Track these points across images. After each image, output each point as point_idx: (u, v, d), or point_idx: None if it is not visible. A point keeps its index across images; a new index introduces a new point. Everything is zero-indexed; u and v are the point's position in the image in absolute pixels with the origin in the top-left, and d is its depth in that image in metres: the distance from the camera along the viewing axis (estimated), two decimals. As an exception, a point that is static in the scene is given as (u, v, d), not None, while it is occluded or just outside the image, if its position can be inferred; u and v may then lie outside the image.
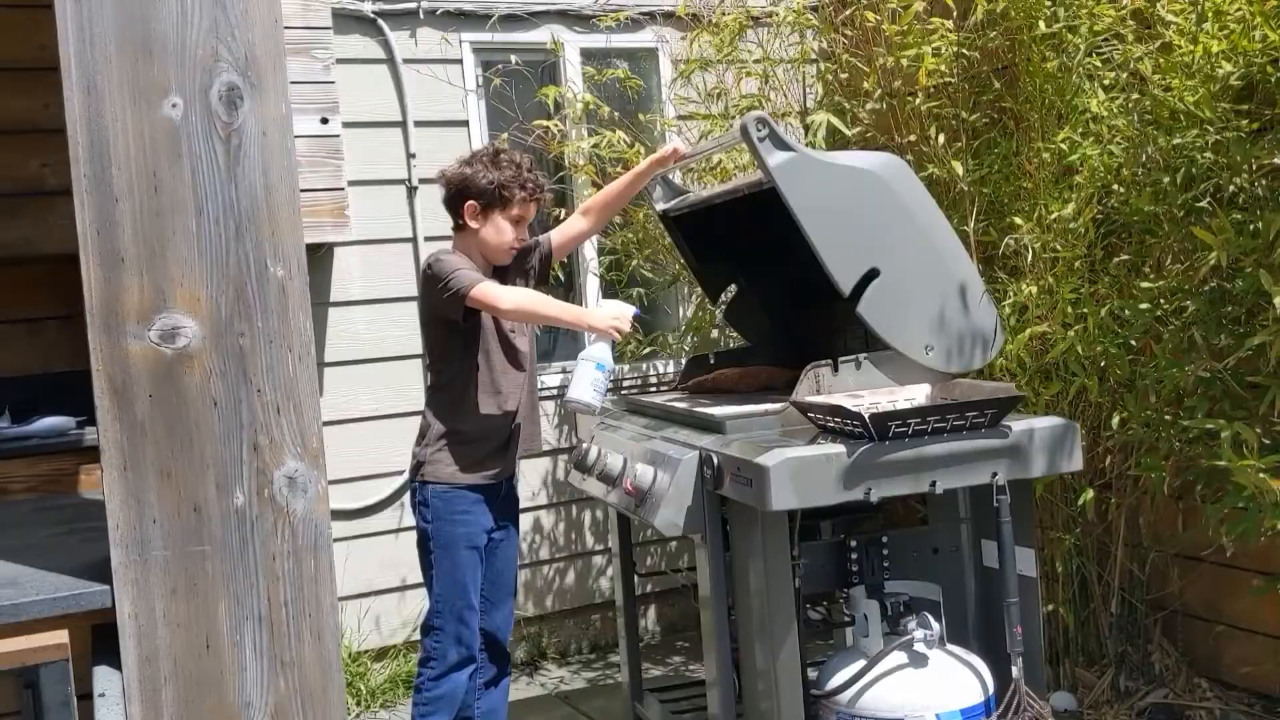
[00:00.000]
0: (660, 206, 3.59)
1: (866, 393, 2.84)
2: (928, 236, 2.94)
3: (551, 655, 4.84)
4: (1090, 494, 3.58)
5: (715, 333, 4.67)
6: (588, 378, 3.07)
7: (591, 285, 4.90)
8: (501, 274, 3.29)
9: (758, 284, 3.71)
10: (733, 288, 3.76)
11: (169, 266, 1.57)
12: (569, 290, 4.90)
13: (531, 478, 4.73)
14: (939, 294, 2.92)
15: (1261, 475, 2.76)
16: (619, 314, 3.09)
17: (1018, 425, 2.64)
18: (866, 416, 2.49)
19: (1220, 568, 3.67)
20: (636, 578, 3.69)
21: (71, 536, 1.85)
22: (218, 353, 1.58)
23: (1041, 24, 3.59)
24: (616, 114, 4.62)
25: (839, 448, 2.52)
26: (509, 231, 3.21)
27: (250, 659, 1.57)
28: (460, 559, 3.15)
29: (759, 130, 2.78)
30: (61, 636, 1.15)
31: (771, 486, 2.46)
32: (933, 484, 2.57)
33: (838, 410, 2.58)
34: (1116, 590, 3.85)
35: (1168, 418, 3.29)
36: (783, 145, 2.80)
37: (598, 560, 4.91)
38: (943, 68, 3.76)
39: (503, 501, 3.28)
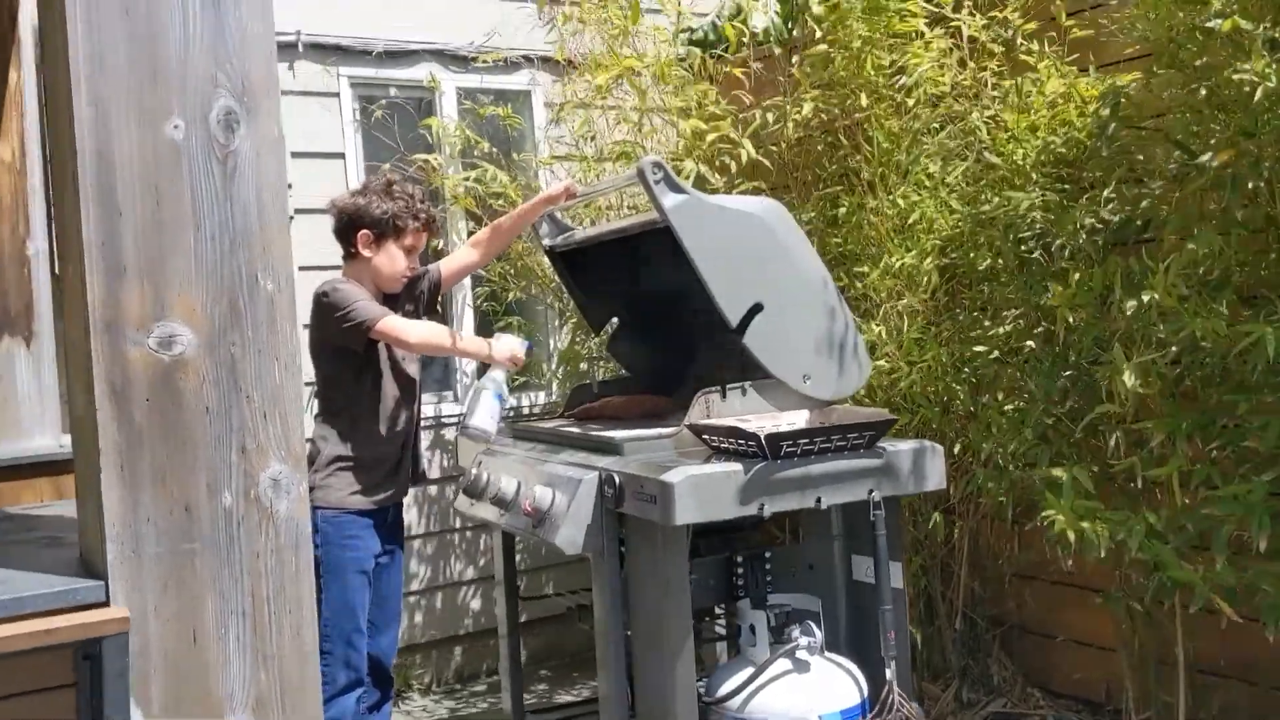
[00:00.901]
0: (547, 242, 3.75)
1: (753, 417, 3.05)
2: (804, 275, 3.19)
3: (417, 687, 4.87)
4: (938, 517, 3.89)
5: (585, 365, 4.84)
6: (487, 407, 3.22)
7: (468, 316, 5.01)
8: (391, 301, 3.38)
9: (638, 317, 3.90)
10: (615, 321, 3.94)
11: (168, 277, 1.64)
12: (444, 320, 4.98)
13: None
14: (815, 327, 3.16)
15: (1078, 523, 3.05)
16: (516, 348, 3.27)
17: (891, 447, 2.90)
18: (762, 437, 2.70)
19: (1053, 585, 4.03)
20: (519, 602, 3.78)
21: (24, 545, 1.87)
22: (211, 360, 1.66)
23: (864, 97, 3.94)
24: (493, 149, 4.77)
25: (736, 466, 2.72)
26: (401, 260, 3.31)
27: (234, 652, 1.64)
28: (349, 583, 3.21)
29: (655, 173, 2.98)
30: (124, 611, 1.22)
31: (676, 502, 2.63)
32: (818, 500, 2.80)
33: (734, 431, 2.79)
34: (959, 608, 4.17)
35: (1005, 452, 3.62)
36: (677, 188, 3.01)
37: (462, 591, 4.97)
38: (796, 131, 4.08)
39: (390, 526, 3.35)
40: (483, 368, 3.37)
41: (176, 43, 1.64)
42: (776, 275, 3.12)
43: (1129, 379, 2.90)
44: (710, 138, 4.14)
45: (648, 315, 3.88)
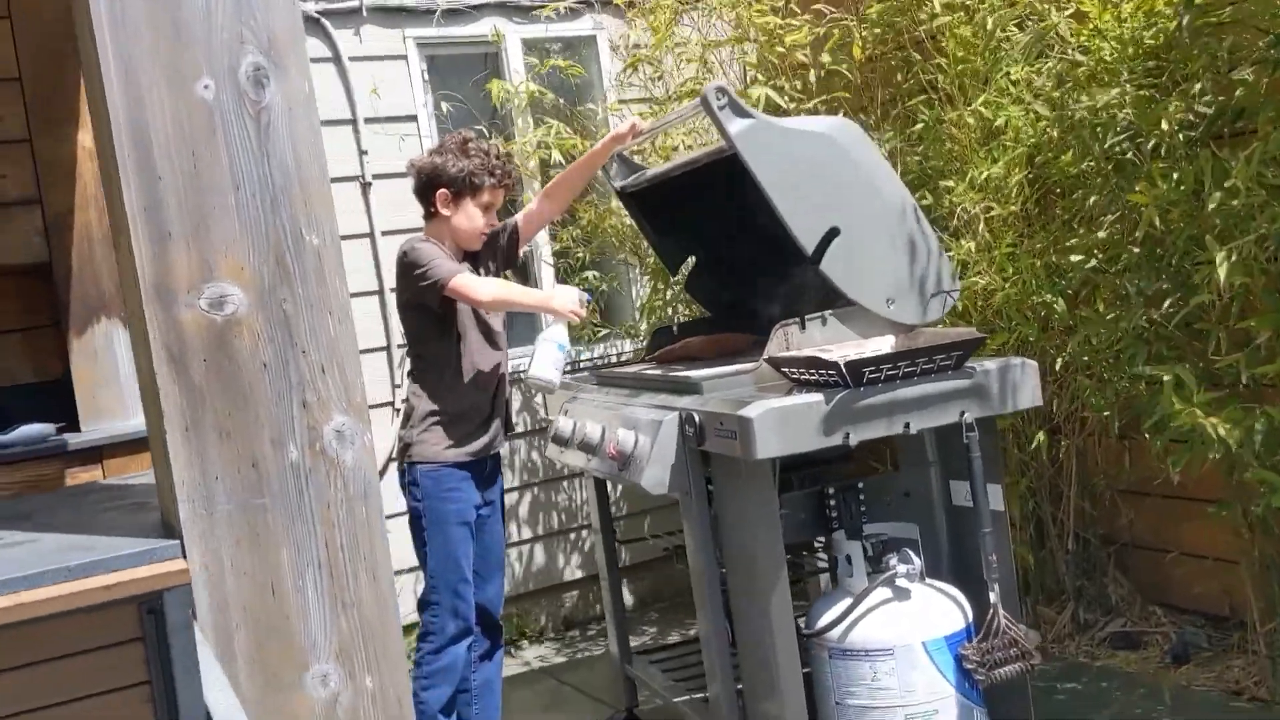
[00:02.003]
0: (618, 183, 3.72)
1: (835, 347, 2.98)
2: (882, 195, 3.09)
3: (529, 634, 4.94)
4: (1042, 437, 3.78)
5: (670, 311, 4.80)
6: (549, 357, 3.25)
7: (547, 273, 5.01)
8: (472, 258, 3.39)
9: (715, 256, 3.84)
10: (691, 261, 3.89)
11: (213, 239, 1.66)
12: (525, 276, 4.99)
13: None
14: (896, 249, 3.07)
15: (1198, 416, 2.93)
16: (574, 299, 3.27)
17: (982, 366, 2.81)
18: (842, 365, 2.63)
19: (1165, 500, 3.88)
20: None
21: (109, 512, 1.93)
22: (264, 318, 1.68)
23: (935, 3, 3.78)
24: (561, 100, 4.73)
25: (817, 397, 2.66)
26: (479, 218, 3.32)
27: (313, 602, 1.67)
28: (452, 535, 3.25)
29: (719, 99, 2.91)
30: (181, 564, 1.24)
31: (756, 436, 2.59)
32: (906, 425, 2.73)
33: (814, 361, 2.73)
34: (1070, 528, 4.06)
35: (1107, 362, 3.49)
36: (742, 113, 2.93)
37: (563, 541, 5.01)
38: (864, 49, 3.96)
39: (488, 477, 3.38)
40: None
41: (199, 2, 1.64)
42: (852, 197, 3.03)
43: (1222, 267, 2.75)
44: (782, 50, 4.03)
45: (724, 251, 3.82)
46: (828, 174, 3.00)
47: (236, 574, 1.62)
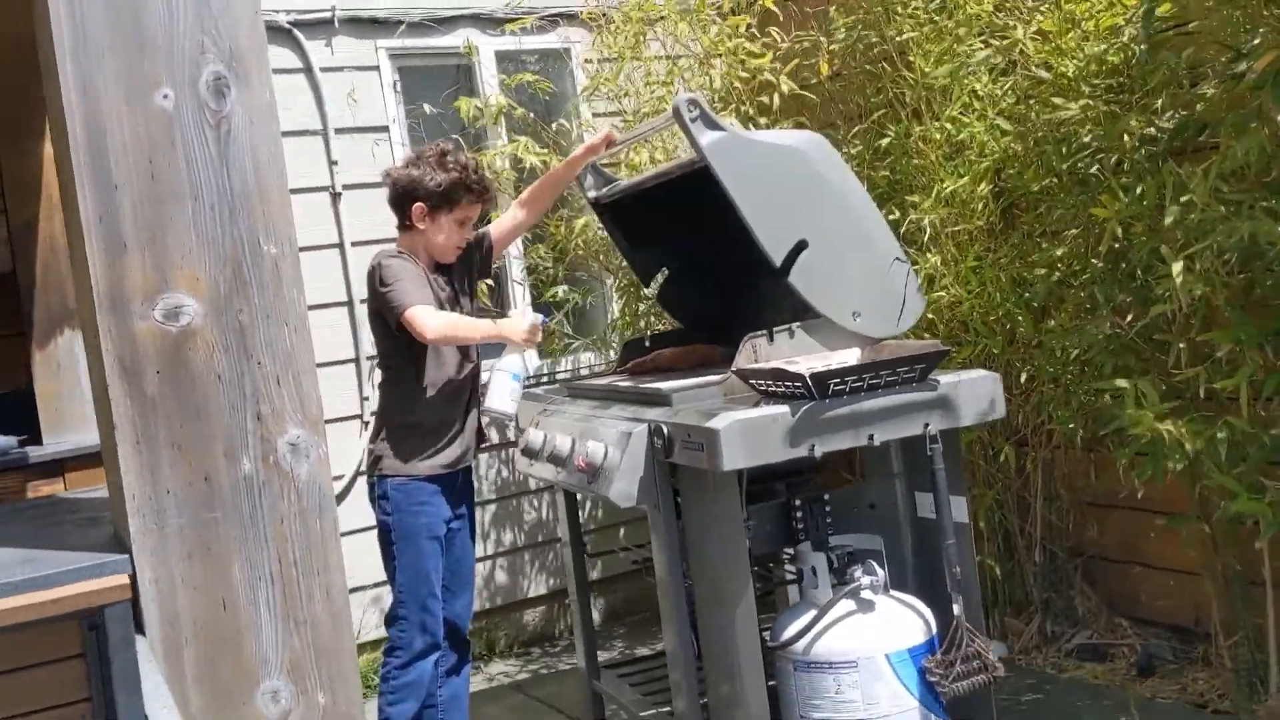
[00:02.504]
0: (592, 194, 3.72)
1: (802, 359, 2.99)
2: (850, 209, 3.11)
3: (497, 649, 4.92)
4: (1009, 449, 3.80)
5: (643, 324, 4.81)
6: (504, 388, 3.23)
7: (517, 290, 5.00)
8: (446, 270, 3.37)
9: (686, 267, 3.84)
10: (664, 272, 3.89)
11: (169, 249, 1.64)
12: (499, 292, 4.98)
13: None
14: (863, 263, 3.08)
15: (1155, 424, 2.96)
16: (526, 327, 3.25)
17: (945, 378, 2.82)
18: (807, 377, 2.64)
19: (1131, 512, 3.91)
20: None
21: (62, 526, 1.91)
22: (219, 329, 1.66)
23: (905, 24, 3.82)
24: (532, 115, 4.74)
25: (783, 408, 2.67)
26: (455, 232, 3.29)
27: (265, 617, 1.65)
28: (422, 549, 3.22)
29: (690, 111, 2.92)
30: (123, 579, 1.22)
31: (723, 448, 2.59)
32: (870, 437, 2.73)
33: (779, 374, 2.73)
34: (1038, 540, 4.08)
35: (1072, 374, 3.52)
36: (713, 125, 2.94)
37: (528, 556, 4.99)
38: (831, 64, 3.99)
39: (460, 491, 3.36)
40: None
41: (160, 11, 1.63)
42: (820, 210, 3.04)
43: (1179, 278, 2.78)
44: (747, 72, 4.06)
45: (696, 264, 3.82)
46: (796, 187, 3.01)
47: (187, 589, 1.60)
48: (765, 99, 4.24)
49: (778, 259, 2.97)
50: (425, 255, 3.30)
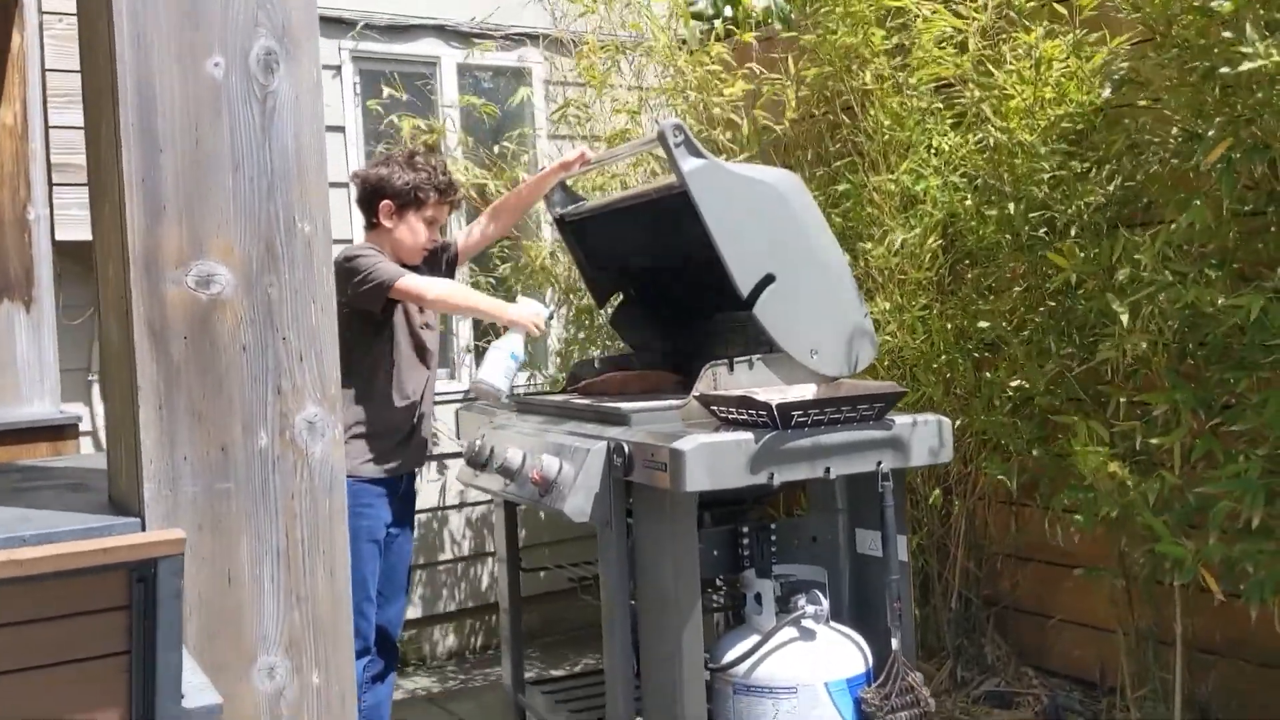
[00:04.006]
0: (558, 210, 3.75)
1: (760, 390, 3.06)
2: (817, 250, 3.20)
3: (412, 662, 4.87)
4: (938, 494, 3.92)
5: (587, 350, 4.84)
6: (501, 364, 3.24)
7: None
8: (413, 273, 3.38)
9: (643, 294, 3.90)
10: (619, 296, 3.94)
11: (206, 217, 1.64)
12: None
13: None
14: (824, 303, 3.17)
15: (1102, 460, 3.10)
16: (537, 312, 3.27)
17: (900, 419, 2.92)
18: (773, 406, 2.71)
19: (1047, 565, 4.06)
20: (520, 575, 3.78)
21: (41, 490, 1.86)
22: (248, 301, 1.66)
23: (868, 76, 3.96)
24: (471, 141, 4.78)
25: (747, 435, 2.73)
26: (423, 232, 3.31)
27: (268, 592, 1.64)
28: (360, 551, 3.19)
29: (675, 136, 2.98)
30: (179, 533, 1.21)
31: (687, 470, 2.64)
32: (827, 470, 2.81)
33: (745, 401, 2.80)
34: (955, 587, 4.20)
35: (1006, 425, 3.65)
36: (697, 152, 3.01)
37: (452, 568, 4.97)
38: (796, 109, 4.11)
39: (402, 497, 3.35)
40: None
41: (218, -21, 1.63)
42: (789, 247, 3.12)
43: (1125, 319, 2.94)
44: (720, 99, 4.15)
45: (652, 291, 3.89)
46: (769, 222, 3.09)
47: (196, 559, 1.59)
48: (729, 135, 4.34)
49: (745, 290, 3.05)
50: (392, 255, 3.30)
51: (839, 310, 3.19)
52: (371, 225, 3.32)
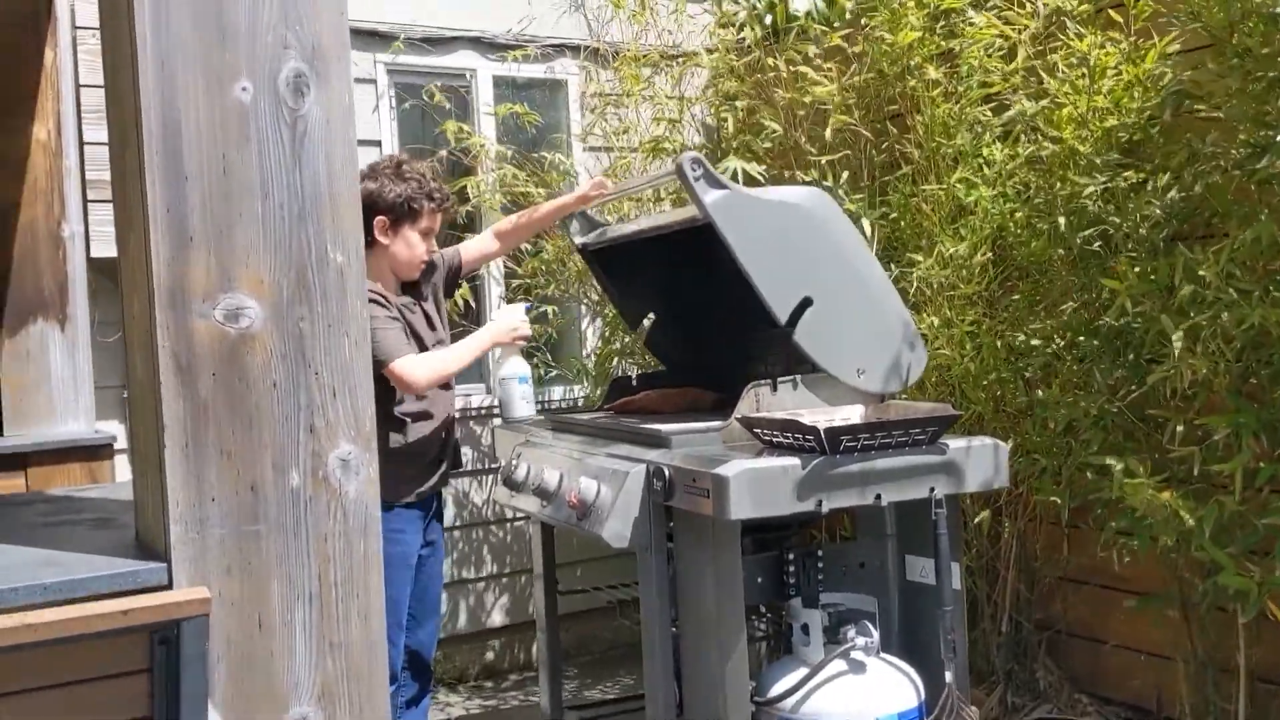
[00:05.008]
0: (579, 240, 3.66)
1: (805, 412, 2.96)
2: (853, 266, 3.10)
3: (447, 682, 4.80)
4: (986, 515, 3.80)
5: (620, 360, 4.77)
6: (516, 394, 3.19)
7: (496, 308, 4.94)
8: (414, 290, 3.28)
9: (675, 313, 3.81)
10: (650, 317, 3.86)
11: (235, 248, 1.57)
12: (476, 309, 4.91)
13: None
14: (867, 319, 3.08)
15: (1151, 492, 2.99)
16: (516, 322, 3.16)
17: (953, 444, 2.81)
18: (821, 431, 2.61)
19: (1102, 590, 3.93)
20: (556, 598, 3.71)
21: (71, 526, 1.81)
22: (279, 334, 1.59)
23: (931, 70, 3.85)
24: (512, 150, 4.72)
25: (793, 460, 2.63)
26: (419, 245, 3.19)
27: (300, 639, 1.57)
28: (394, 577, 3.12)
29: (694, 170, 2.88)
30: (203, 592, 1.14)
31: (731, 496, 2.55)
32: (878, 496, 2.71)
33: (792, 425, 2.70)
34: (1006, 610, 4.08)
35: (1059, 448, 3.54)
36: (717, 184, 2.91)
37: (487, 586, 4.90)
38: (844, 117, 4.01)
39: (432, 518, 3.28)
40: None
41: (245, 1, 1.56)
42: (824, 267, 3.03)
43: (1178, 344, 2.82)
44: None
45: (685, 309, 3.79)
46: (800, 244, 2.99)
47: (224, 604, 1.52)
48: (770, 144, 4.25)
49: (783, 316, 2.95)
50: (390, 276, 3.21)
51: (883, 325, 3.09)
52: (367, 244, 3.22)
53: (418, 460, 3.19)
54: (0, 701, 1.09)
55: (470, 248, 3.49)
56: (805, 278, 2.99)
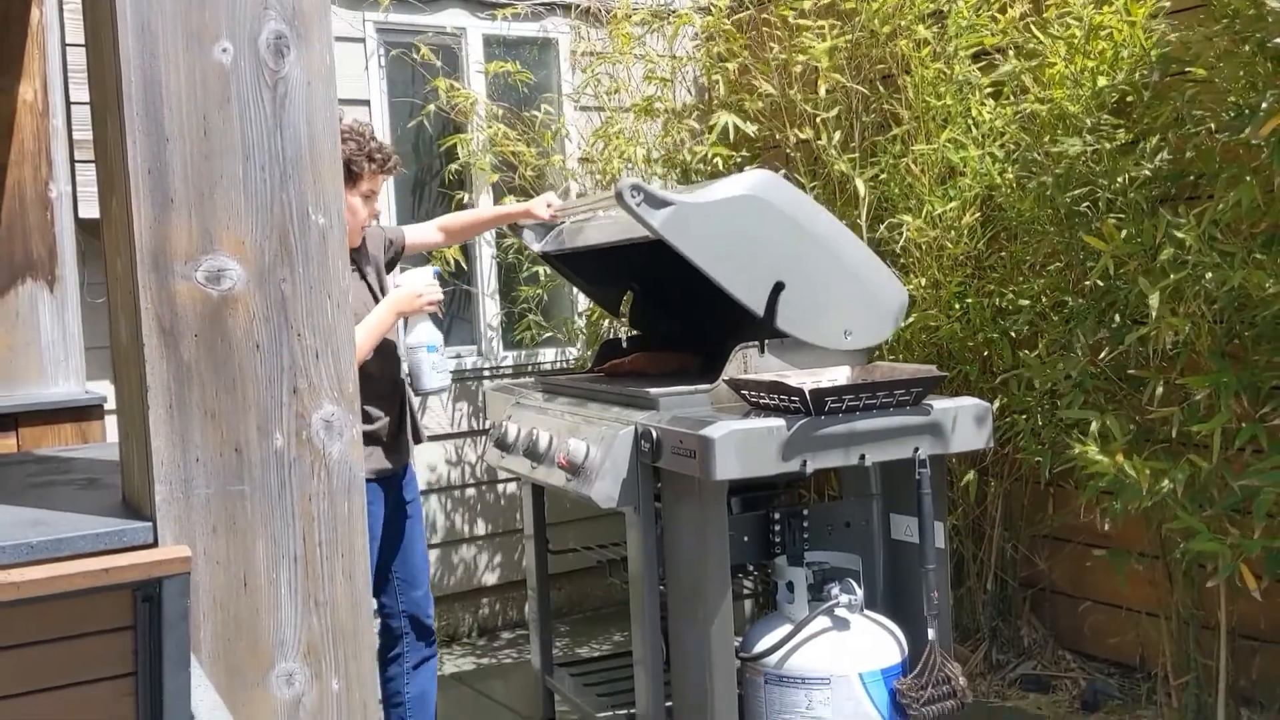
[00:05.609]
0: (537, 247, 3.62)
1: (793, 373, 2.99)
2: (817, 236, 3.06)
3: (440, 639, 4.85)
4: (972, 476, 3.83)
5: (607, 322, 4.78)
6: (426, 364, 3.09)
7: (491, 271, 4.95)
8: (355, 257, 3.14)
9: (652, 291, 3.80)
10: (629, 297, 3.86)
11: (216, 210, 1.58)
12: (469, 275, 4.91)
13: (421, 465, 4.74)
14: (841, 282, 3.08)
15: (1117, 460, 3.00)
16: (423, 288, 3.05)
17: (938, 404, 2.83)
18: (806, 392, 2.63)
19: (1085, 548, 3.97)
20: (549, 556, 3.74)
21: (57, 486, 1.82)
22: (261, 296, 1.60)
23: (920, 29, 3.84)
24: (501, 109, 4.70)
25: (778, 421, 2.66)
26: (361, 209, 3.06)
27: (285, 598, 1.59)
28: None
29: (634, 197, 2.84)
30: (185, 550, 1.16)
31: (716, 457, 2.58)
32: (862, 457, 2.74)
33: (778, 386, 2.72)
34: (991, 569, 4.12)
35: (1044, 407, 3.56)
36: (660, 203, 2.86)
37: (481, 546, 4.94)
38: (836, 75, 3.99)
39: (405, 485, 3.26)
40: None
41: (225, -39, 1.56)
42: (787, 247, 3.01)
43: (1154, 309, 2.83)
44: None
45: (662, 283, 3.78)
46: (757, 234, 2.97)
47: (209, 563, 1.54)
48: (761, 103, 4.24)
49: (760, 309, 2.96)
50: None
51: (860, 285, 3.10)
52: None
53: (379, 434, 3.12)
54: (-14, 658, 1.11)
55: (413, 232, 3.43)
56: (771, 264, 2.98)
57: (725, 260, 2.92)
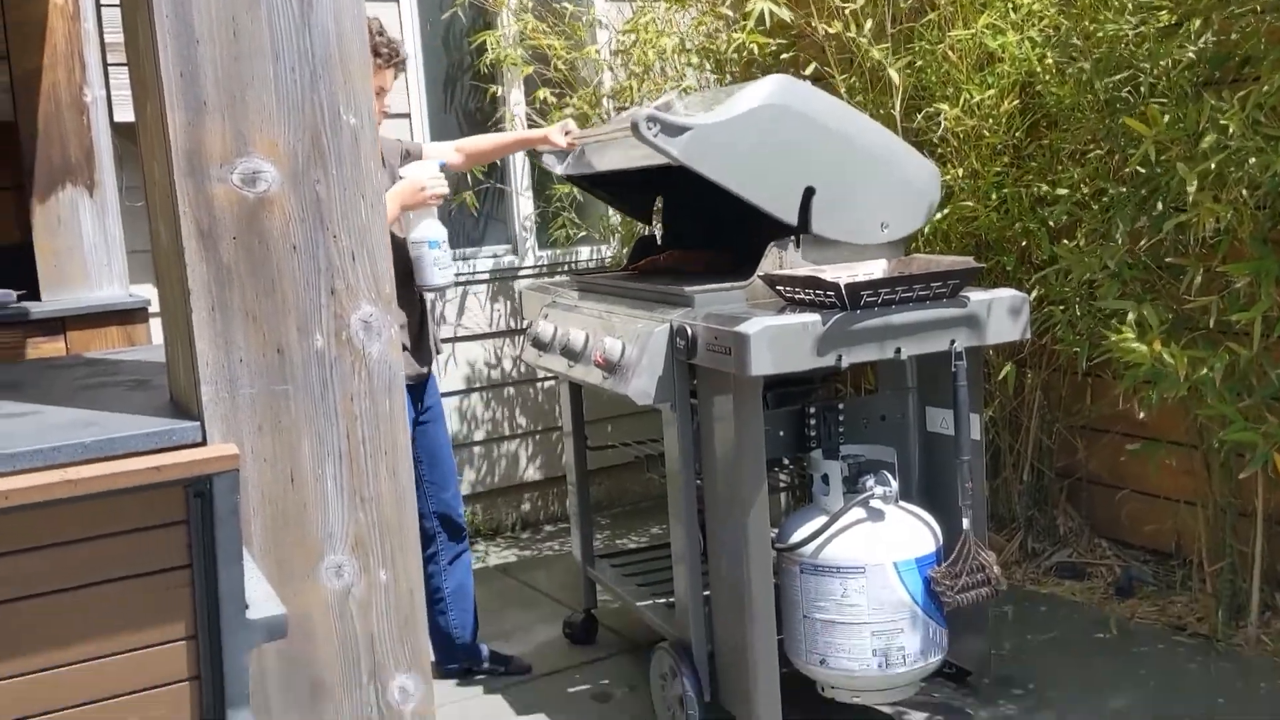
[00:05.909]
0: (560, 170, 3.60)
1: (829, 268, 2.98)
2: (843, 135, 3.01)
3: (484, 533, 4.96)
4: (1010, 368, 3.83)
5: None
6: (429, 259, 3.04)
7: (522, 167, 4.92)
8: None
9: (682, 196, 3.77)
10: (658, 206, 3.83)
11: (249, 112, 1.59)
12: (501, 172, 4.90)
13: (461, 363, 4.79)
14: (874, 174, 3.04)
15: (1154, 348, 2.97)
16: (426, 180, 3.00)
17: (975, 296, 2.82)
18: (842, 286, 2.63)
19: (1123, 437, 3.97)
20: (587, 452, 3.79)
21: (111, 387, 1.87)
22: (296, 198, 1.62)
23: None
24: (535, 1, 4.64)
25: (813, 317, 2.66)
26: None
27: (332, 493, 1.64)
28: None
29: (650, 129, 2.79)
30: (232, 448, 1.20)
31: (752, 353, 2.59)
32: (898, 350, 2.74)
33: (812, 281, 2.72)
34: (1028, 459, 4.14)
35: (1081, 297, 3.53)
36: (677, 130, 2.82)
37: (521, 442, 5.02)
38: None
39: (427, 390, 3.31)
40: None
41: None
42: (814, 149, 2.97)
43: (1192, 193, 2.78)
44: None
45: (691, 187, 3.73)
46: (781, 142, 2.92)
47: (257, 460, 1.59)
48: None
49: (793, 219, 2.93)
50: None
51: (891, 173, 3.07)
52: None
53: (405, 340, 3.15)
54: (46, 553, 1.16)
55: (431, 150, 3.41)
56: (799, 171, 2.94)
57: (752, 176, 2.90)
